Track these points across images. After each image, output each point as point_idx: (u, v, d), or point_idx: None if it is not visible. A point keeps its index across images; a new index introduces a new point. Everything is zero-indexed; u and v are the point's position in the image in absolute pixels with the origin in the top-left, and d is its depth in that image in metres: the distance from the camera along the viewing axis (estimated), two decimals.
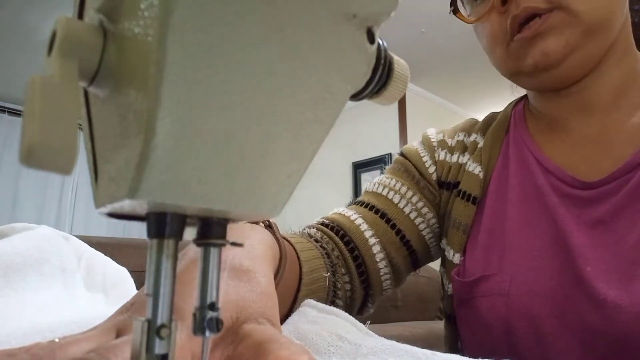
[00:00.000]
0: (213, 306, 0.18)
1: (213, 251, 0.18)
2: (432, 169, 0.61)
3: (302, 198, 3.89)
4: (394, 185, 0.60)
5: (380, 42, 0.21)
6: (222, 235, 0.18)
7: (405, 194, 0.59)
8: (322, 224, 0.58)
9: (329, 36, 0.18)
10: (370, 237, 0.56)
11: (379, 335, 0.32)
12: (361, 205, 0.60)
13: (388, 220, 0.58)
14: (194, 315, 0.18)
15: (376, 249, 0.56)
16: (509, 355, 0.47)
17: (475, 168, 0.57)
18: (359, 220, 0.57)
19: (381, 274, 0.57)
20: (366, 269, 0.56)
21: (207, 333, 0.18)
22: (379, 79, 0.21)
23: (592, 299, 0.43)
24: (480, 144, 0.59)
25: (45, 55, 0.16)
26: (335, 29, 0.18)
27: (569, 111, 0.53)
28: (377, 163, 3.83)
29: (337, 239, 0.55)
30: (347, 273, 0.55)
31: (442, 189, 0.61)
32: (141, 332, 0.16)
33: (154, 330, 0.16)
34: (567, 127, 0.54)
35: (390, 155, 3.76)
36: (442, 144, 0.63)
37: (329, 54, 0.18)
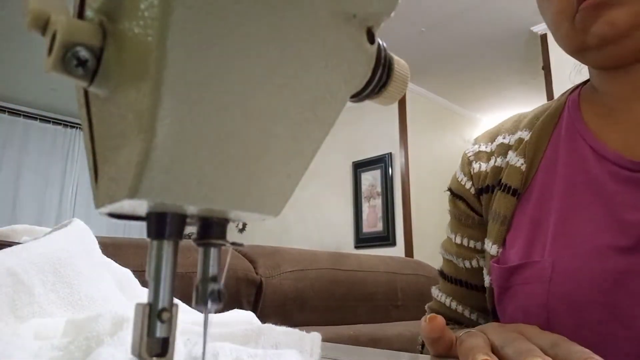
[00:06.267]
0: (215, 278, 0.18)
1: (213, 251, 0.18)
2: (468, 185, 0.62)
3: (302, 198, 3.89)
4: (453, 241, 0.64)
5: (380, 42, 0.21)
6: (222, 235, 0.18)
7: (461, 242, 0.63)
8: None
9: (329, 36, 0.18)
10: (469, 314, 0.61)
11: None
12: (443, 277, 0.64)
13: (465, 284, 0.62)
14: (196, 287, 0.18)
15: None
16: None
17: (518, 161, 0.57)
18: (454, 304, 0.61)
19: None
20: None
21: (209, 305, 0.18)
22: (379, 79, 0.21)
23: None
24: (527, 139, 0.59)
25: (45, 55, 0.16)
26: (335, 29, 0.18)
27: (633, 92, 0.52)
28: (377, 163, 3.82)
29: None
30: None
31: (482, 194, 0.61)
32: (142, 316, 0.16)
33: (155, 313, 0.16)
34: (627, 109, 0.53)
35: (390, 154, 3.76)
36: (478, 156, 0.64)
37: (329, 54, 0.18)
